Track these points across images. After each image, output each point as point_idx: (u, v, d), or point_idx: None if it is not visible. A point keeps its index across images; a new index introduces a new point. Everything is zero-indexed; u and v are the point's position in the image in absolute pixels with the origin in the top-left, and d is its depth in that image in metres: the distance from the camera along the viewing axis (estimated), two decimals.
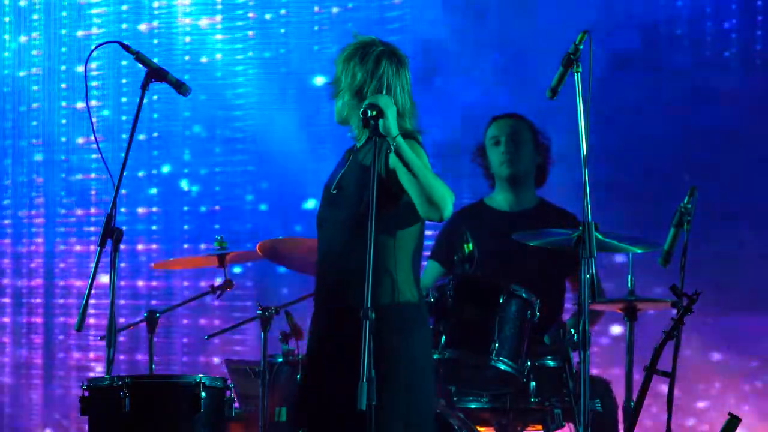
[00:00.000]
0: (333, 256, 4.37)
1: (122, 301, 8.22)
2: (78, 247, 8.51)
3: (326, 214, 4.45)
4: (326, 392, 4.29)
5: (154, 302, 8.14)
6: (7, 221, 8.65)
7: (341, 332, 4.23)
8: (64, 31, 8.55)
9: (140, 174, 8.30)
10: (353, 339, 4.01)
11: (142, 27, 8.36)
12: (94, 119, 7.91)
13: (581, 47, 4.54)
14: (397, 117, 4.28)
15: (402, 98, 4.42)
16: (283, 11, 8.13)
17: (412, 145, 4.27)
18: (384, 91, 4.36)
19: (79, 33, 8.50)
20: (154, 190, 8.34)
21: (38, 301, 8.58)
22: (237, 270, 7.87)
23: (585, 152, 4.48)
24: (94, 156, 8.26)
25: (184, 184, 8.29)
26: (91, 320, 8.22)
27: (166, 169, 8.32)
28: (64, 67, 8.54)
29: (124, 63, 8.28)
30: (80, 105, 8.38)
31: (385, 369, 4.15)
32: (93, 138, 4.98)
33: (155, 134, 8.25)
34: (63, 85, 8.54)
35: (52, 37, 8.56)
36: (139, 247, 8.34)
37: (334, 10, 7.97)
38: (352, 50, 4.46)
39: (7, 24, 8.65)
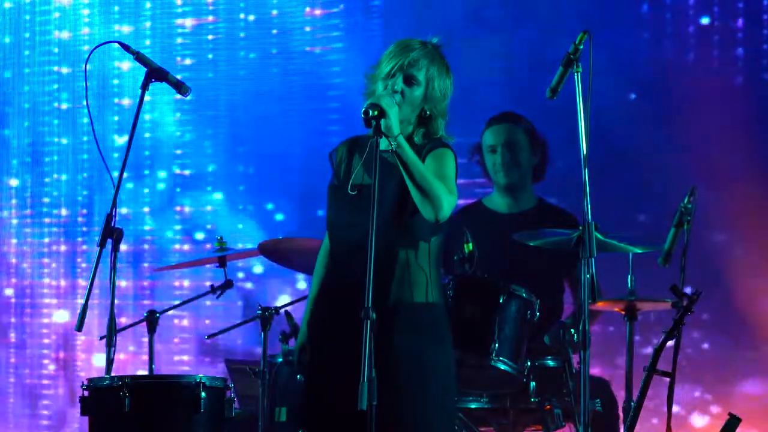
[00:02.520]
0: (362, 257, 4.23)
1: (147, 302, 8.23)
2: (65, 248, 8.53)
3: (348, 217, 4.44)
4: (345, 391, 4.26)
5: (148, 302, 8.15)
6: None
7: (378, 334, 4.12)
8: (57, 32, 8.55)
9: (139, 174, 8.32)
10: (388, 338, 4.10)
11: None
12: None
13: (581, 47, 4.55)
14: (432, 120, 4.43)
15: (442, 102, 4.48)
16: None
17: (444, 153, 4.39)
18: (427, 89, 4.42)
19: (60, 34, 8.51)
20: (151, 190, 8.35)
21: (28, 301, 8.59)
22: (237, 270, 7.87)
23: (585, 152, 4.49)
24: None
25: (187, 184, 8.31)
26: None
27: (164, 172, 8.33)
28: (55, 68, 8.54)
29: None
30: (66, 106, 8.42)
31: (409, 365, 4.30)
32: (94, 138, 4.96)
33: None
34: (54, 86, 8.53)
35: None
36: (139, 246, 8.34)
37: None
38: (399, 44, 4.48)
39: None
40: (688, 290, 5.03)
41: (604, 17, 7.14)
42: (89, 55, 4.87)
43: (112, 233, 4.61)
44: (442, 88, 4.47)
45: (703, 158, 6.90)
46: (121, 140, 8.28)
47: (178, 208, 8.29)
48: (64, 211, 8.53)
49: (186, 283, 8.20)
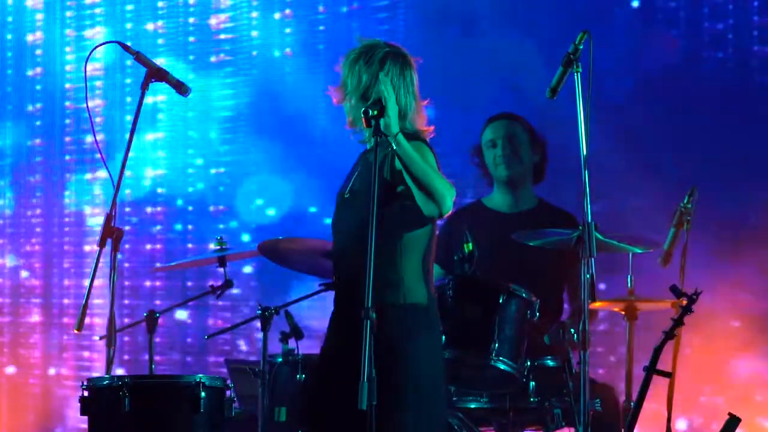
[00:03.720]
0: (349, 260, 4.37)
1: (126, 301, 8.22)
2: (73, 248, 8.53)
3: (340, 219, 4.48)
4: (337, 393, 4.28)
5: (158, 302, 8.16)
6: (8, 221, 8.66)
7: (358, 334, 4.14)
8: (68, 31, 8.55)
9: (141, 173, 8.32)
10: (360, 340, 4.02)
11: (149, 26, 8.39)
12: (98, 119, 8.03)
13: (581, 47, 4.55)
14: (401, 118, 4.34)
15: (406, 99, 4.44)
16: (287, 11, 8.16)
17: (419, 147, 4.34)
18: (388, 93, 4.36)
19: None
20: (157, 190, 8.35)
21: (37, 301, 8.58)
22: (236, 270, 7.87)
23: (585, 152, 4.49)
24: (98, 156, 8.26)
25: (185, 184, 8.31)
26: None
27: (163, 170, 8.33)
28: (68, 67, 8.55)
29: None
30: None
31: (391, 369, 4.22)
32: (94, 138, 4.97)
33: (160, 134, 8.28)
34: (67, 85, 8.53)
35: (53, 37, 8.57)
36: (138, 246, 8.34)
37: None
38: (357, 53, 4.48)
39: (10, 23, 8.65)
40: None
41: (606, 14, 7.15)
42: (89, 55, 4.88)
43: (111, 233, 4.61)
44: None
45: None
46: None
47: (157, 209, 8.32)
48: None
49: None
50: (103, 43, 5.14)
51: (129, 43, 4.95)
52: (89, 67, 8.12)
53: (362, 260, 4.13)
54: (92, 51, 4.92)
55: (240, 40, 8.18)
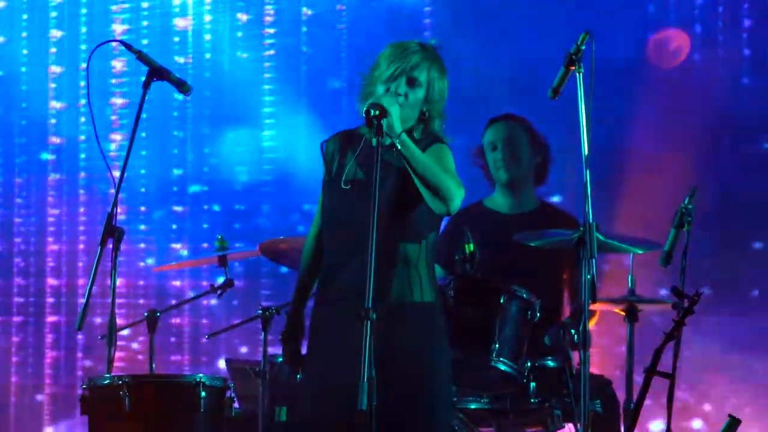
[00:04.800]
0: (358, 254, 4.27)
1: (120, 300, 8.22)
2: (61, 247, 8.51)
3: (343, 214, 4.43)
4: (345, 391, 4.27)
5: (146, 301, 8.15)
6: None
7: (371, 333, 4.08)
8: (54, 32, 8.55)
9: (140, 173, 8.31)
10: (384, 337, 4.06)
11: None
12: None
13: (583, 47, 4.55)
14: (431, 120, 4.43)
15: (440, 100, 4.47)
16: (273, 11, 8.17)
17: (441, 149, 4.39)
18: (427, 91, 4.41)
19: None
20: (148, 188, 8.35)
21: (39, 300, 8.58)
22: (238, 269, 7.86)
23: (586, 152, 4.49)
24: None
25: (185, 183, 8.30)
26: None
27: (164, 167, 8.33)
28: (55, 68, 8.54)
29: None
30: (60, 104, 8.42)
31: (416, 367, 4.29)
32: (95, 137, 4.96)
33: (143, 134, 8.28)
34: (52, 85, 8.52)
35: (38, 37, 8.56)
36: (141, 246, 8.34)
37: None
38: (393, 47, 4.47)
39: None
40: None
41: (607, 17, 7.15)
42: (91, 53, 4.87)
43: (112, 232, 4.61)
44: (441, 89, 4.48)
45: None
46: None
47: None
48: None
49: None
50: (105, 42, 5.12)
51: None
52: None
53: (384, 258, 4.15)
54: (94, 50, 4.91)
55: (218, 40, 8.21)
